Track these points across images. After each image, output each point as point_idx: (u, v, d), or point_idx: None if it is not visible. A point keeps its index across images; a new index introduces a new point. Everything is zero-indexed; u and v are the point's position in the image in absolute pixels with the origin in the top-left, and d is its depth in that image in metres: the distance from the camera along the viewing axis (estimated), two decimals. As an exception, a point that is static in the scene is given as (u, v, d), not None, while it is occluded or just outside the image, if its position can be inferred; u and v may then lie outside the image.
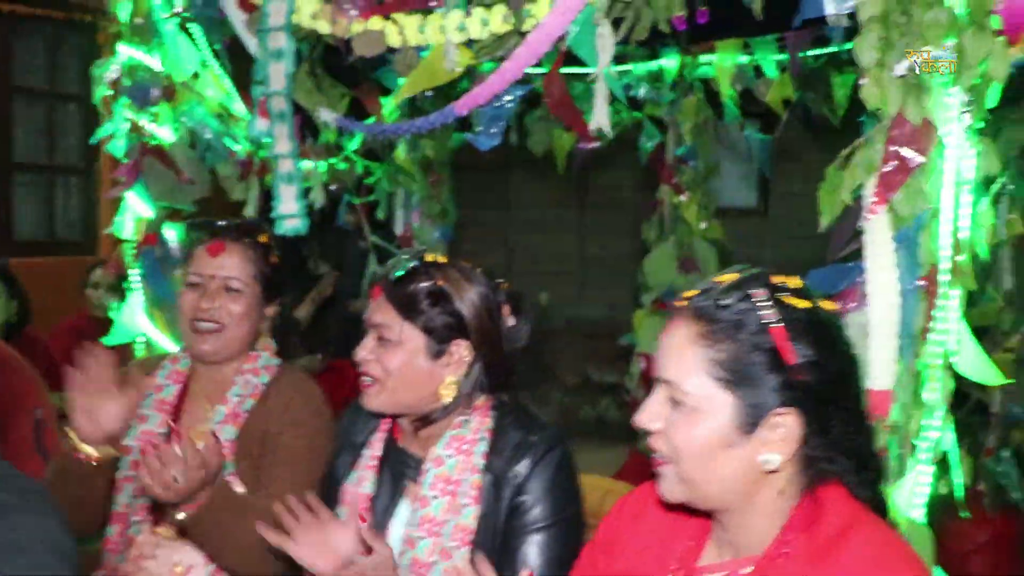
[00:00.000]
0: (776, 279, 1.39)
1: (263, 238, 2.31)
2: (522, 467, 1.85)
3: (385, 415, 1.98)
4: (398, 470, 1.96)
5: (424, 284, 1.89)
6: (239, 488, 2.14)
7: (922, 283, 1.72)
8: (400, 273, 1.90)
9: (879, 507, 1.42)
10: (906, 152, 1.72)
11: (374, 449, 2.01)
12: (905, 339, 1.73)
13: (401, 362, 1.89)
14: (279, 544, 1.74)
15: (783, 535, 1.35)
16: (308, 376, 2.38)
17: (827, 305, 1.39)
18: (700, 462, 1.36)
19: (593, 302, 8.16)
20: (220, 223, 2.30)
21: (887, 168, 1.73)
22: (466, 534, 1.83)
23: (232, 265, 2.25)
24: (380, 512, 1.94)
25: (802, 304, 1.34)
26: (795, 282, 1.39)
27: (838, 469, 1.37)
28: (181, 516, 1.96)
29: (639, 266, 4.97)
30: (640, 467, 2.01)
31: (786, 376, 1.32)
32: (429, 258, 1.94)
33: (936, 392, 1.72)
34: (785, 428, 1.33)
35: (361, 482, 1.97)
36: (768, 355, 1.32)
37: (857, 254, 1.80)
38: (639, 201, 6.03)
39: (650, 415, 1.40)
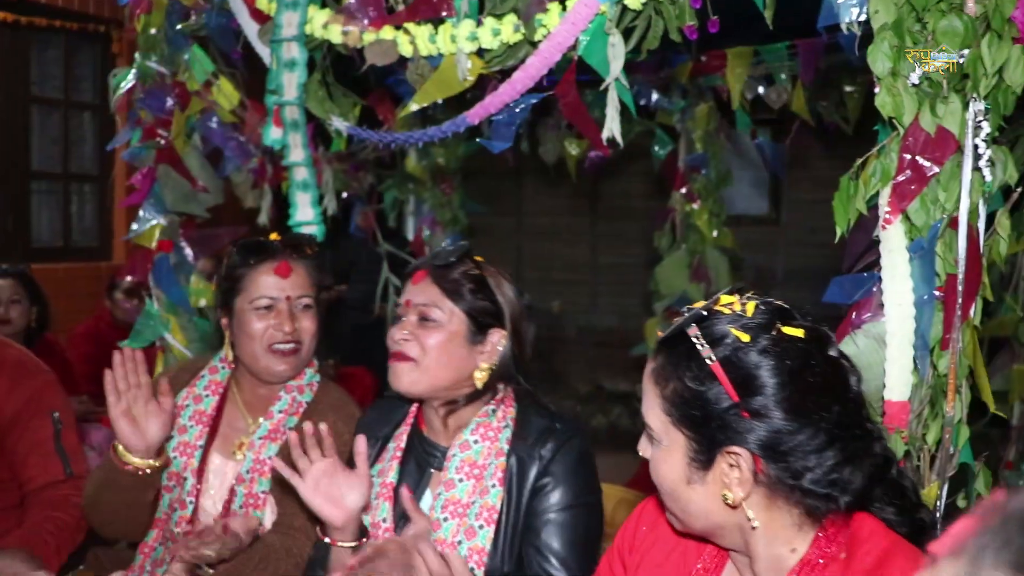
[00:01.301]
0: (730, 307, 1.34)
1: (311, 249, 2.33)
2: (547, 451, 1.92)
3: (413, 396, 2.01)
4: (423, 459, 2.02)
5: (471, 271, 1.98)
6: (269, 509, 2.16)
7: (938, 294, 1.71)
8: (448, 259, 1.98)
9: (918, 538, 1.34)
10: (921, 161, 1.70)
11: (399, 442, 2.05)
12: (921, 350, 1.71)
13: (441, 341, 1.95)
14: (290, 479, 1.83)
15: (801, 566, 1.30)
16: (347, 395, 2.39)
17: (789, 331, 1.30)
18: (673, 496, 1.36)
19: (605, 310, 8.15)
20: (273, 241, 2.28)
21: (902, 177, 1.72)
22: (492, 513, 1.89)
23: (302, 283, 2.26)
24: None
25: (746, 338, 1.29)
26: (750, 307, 1.33)
27: (847, 500, 1.30)
28: (210, 572, 2.00)
29: (651, 274, 4.96)
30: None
31: (734, 414, 1.27)
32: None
33: (954, 404, 1.70)
34: (739, 466, 1.28)
35: (385, 472, 2.01)
36: (712, 393, 1.29)
37: (874, 263, 1.79)
38: (651, 209, 6.02)
39: (642, 446, 1.42)
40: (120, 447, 2.07)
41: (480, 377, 1.97)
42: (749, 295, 1.37)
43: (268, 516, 2.19)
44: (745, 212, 7.54)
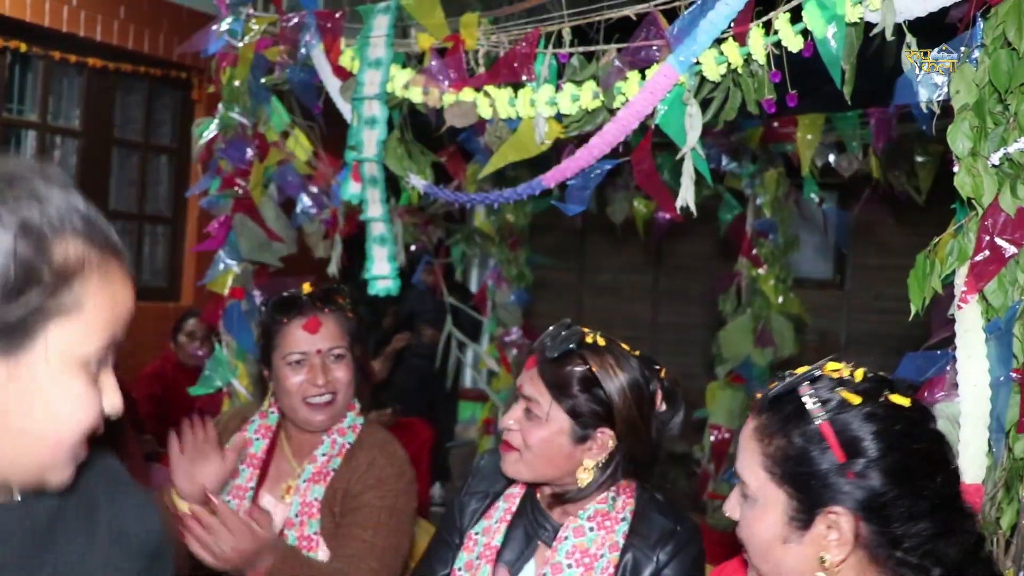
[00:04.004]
0: (838, 372, 1.37)
1: (342, 299, 2.35)
2: (665, 553, 1.86)
3: (523, 481, 1.97)
4: (532, 528, 1.96)
5: (579, 368, 1.88)
6: (323, 551, 2.18)
7: (1015, 375, 1.69)
8: (556, 352, 1.89)
9: None
10: (1000, 241, 1.69)
11: (510, 503, 2.00)
12: (997, 432, 1.69)
13: (543, 439, 1.88)
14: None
15: None
16: (391, 435, 2.40)
17: (896, 399, 1.33)
18: (763, 556, 1.37)
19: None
20: (302, 296, 2.30)
21: (979, 257, 1.70)
22: None
23: (333, 335, 2.28)
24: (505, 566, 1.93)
25: (856, 400, 1.32)
26: (859, 374, 1.36)
27: (930, 570, 1.31)
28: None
29: (712, 335, 4.94)
30: (709, 540, 2.00)
31: (838, 474, 1.30)
32: (588, 338, 1.91)
33: (1029, 489, 1.67)
34: (839, 527, 1.30)
35: (491, 533, 1.96)
36: (819, 453, 1.31)
37: (948, 341, 1.78)
38: (713, 270, 6.01)
39: (730, 506, 1.44)
40: (175, 494, 2.09)
41: (584, 476, 1.89)
42: (852, 364, 1.40)
43: (321, 557, 2.20)
44: (809, 275, 7.47)
